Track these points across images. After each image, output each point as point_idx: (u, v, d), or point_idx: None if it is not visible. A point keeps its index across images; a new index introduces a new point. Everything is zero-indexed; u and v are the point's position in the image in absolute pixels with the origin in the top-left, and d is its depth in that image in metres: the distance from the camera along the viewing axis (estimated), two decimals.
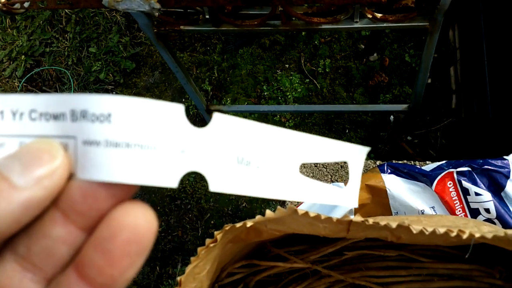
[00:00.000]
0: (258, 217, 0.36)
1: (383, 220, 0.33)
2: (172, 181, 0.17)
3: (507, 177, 0.68)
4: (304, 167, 0.83)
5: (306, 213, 0.33)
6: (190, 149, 0.18)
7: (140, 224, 0.16)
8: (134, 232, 0.16)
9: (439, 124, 1.26)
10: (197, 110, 1.40)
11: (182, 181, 1.34)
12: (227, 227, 0.36)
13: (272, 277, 0.53)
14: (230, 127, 0.18)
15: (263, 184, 0.19)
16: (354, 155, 0.22)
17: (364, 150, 0.22)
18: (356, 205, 0.22)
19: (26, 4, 0.61)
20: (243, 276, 0.52)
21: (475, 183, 0.67)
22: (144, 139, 0.17)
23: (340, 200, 0.22)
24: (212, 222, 1.32)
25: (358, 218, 0.33)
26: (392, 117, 1.29)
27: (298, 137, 0.20)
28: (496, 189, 0.68)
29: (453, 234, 0.32)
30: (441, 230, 0.32)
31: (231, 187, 0.19)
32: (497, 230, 0.35)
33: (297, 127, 1.34)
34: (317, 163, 0.86)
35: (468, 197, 0.68)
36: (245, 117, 1.37)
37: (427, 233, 0.32)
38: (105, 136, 0.16)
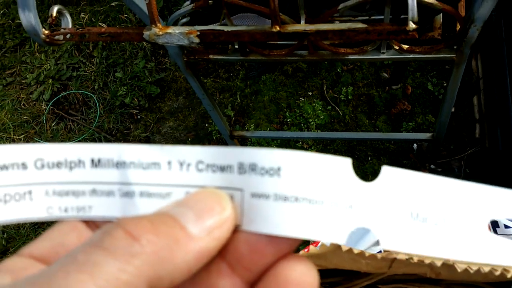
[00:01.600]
0: (301, 253, 0.37)
1: (427, 258, 0.34)
2: (340, 237, 0.17)
3: None
4: None
5: (350, 250, 0.33)
6: (358, 204, 0.17)
7: (305, 280, 0.17)
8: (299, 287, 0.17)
9: (462, 153, 1.25)
10: (220, 135, 1.42)
11: None
12: None
13: None
14: (401, 181, 0.18)
15: (443, 243, 0.18)
16: None
17: None
18: None
19: (68, 36, 0.64)
20: None
21: None
22: (313, 194, 0.17)
23: None
24: None
25: (402, 255, 0.34)
26: (415, 145, 1.29)
27: (487, 191, 0.18)
28: None
29: (497, 273, 0.33)
30: (486, 269, 0.33)
31: (405, 245, 0.17)
32: None
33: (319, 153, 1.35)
34: None
35: (497, 229, 0.68)
36: (267, 143, 1.38)
37: (472, 272, 0.32)
38: (274, 189, 0.17)
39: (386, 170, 0.18)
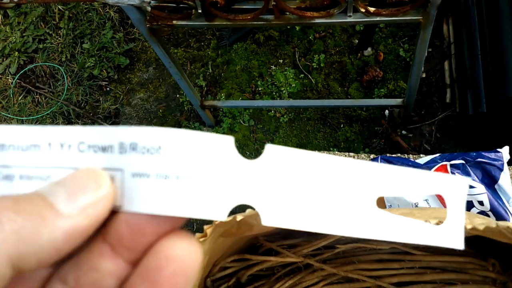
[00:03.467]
0: (248, 211, 0.36)
1: None
2: (221, 214, 0.17)
3: (501, 170, 0.68)
4: None
5: None
6: (240, 181, 0.17)
7: (186, 256, 0.17)
8: (181, 264, 0.16)
9: (433, 119, 1.26)
10: (192, 105, 1.39)
11: None
12: (217, 221, 0.35)
13: (264, 271, 0.53)
14: (284, 158, 0.18)
15: (329, 219, 0.18)
16: (453, 187, 0.19)
17: (465, 181, 0.19)
18: (462, 247, 0.19)
19: None
20: (235, 271, 0.52)
21: (468, 176, 0.67)
22: (194, 172, 0.17)
23: (439, 240, 0.19)
24: (206, 220, 1.31)
25: None
26: (387, 111, 1.29)
27: (372, 168, 0.18)
28: (490, 182, 0.68)
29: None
30: (432, 222, 0.32)
31: (286, 222, 0.18)
32: (490, 221, 0.35)
33: (291, 122, 1.34)
34: None
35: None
36: (239, 112, 1.37)
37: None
38: (155, 168, 0.16)
39: (269, 148, 0.18)
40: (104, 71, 1.55)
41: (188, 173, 0.16)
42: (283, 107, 1.35)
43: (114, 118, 1.49)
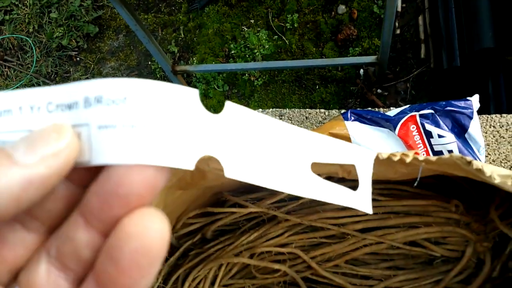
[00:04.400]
0: None
1: None
2: (189, 163, 0.17)
3: (470, 118, 0.67)
4: None
5: None
6: (204, 133, 0.18)
7: (149, 234, 0.16)
8: (142, 242, 0.16)
9: (408, 75, 1.24)
10: (164, 72, 1.36)
11: None
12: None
13: (229, 226, 0.52)
14: (242, 117, 0.19)
15: (274, 177, 0.20)
16: (363, 158, 0.22)
17: (372, 154, 0.23)
18: (370, 211, 0.22)
19: None
20: (200, 227, 0.51)
21: (438, 125, 0.66)
22: (161, 121, 0.17)
23: (352, 203, 0.22)
24: None
25: None
26: (362, 70, 1.27)
27: (310, 136, 0.21)
28: (460, 131, 0.68)
29: (396, 159, 0.31)
30: (384, 156, 0.31)
31: (245, 175, 0.19)
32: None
33: (266, 85, 1.32)
34: None
35: (431, 139, 0.67)
36: (213, 77, 1.34)
37: None
38: (121, 118, 0.16)
39: (229, 105, 0.19)
40: (73, 40, 1.51)
41: (155, 122, 0.17)
42: (257, 69, 1.33)
43: None
